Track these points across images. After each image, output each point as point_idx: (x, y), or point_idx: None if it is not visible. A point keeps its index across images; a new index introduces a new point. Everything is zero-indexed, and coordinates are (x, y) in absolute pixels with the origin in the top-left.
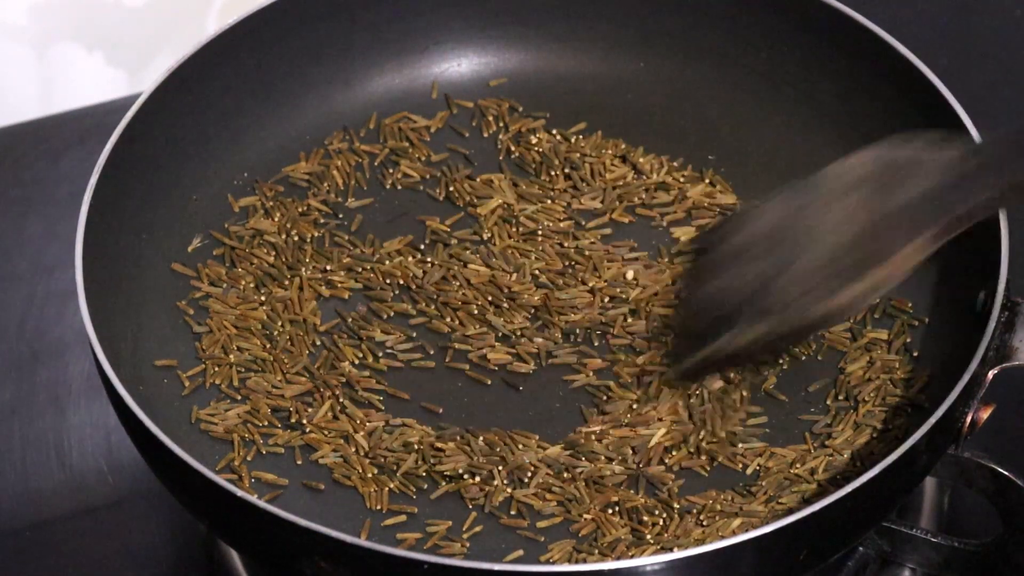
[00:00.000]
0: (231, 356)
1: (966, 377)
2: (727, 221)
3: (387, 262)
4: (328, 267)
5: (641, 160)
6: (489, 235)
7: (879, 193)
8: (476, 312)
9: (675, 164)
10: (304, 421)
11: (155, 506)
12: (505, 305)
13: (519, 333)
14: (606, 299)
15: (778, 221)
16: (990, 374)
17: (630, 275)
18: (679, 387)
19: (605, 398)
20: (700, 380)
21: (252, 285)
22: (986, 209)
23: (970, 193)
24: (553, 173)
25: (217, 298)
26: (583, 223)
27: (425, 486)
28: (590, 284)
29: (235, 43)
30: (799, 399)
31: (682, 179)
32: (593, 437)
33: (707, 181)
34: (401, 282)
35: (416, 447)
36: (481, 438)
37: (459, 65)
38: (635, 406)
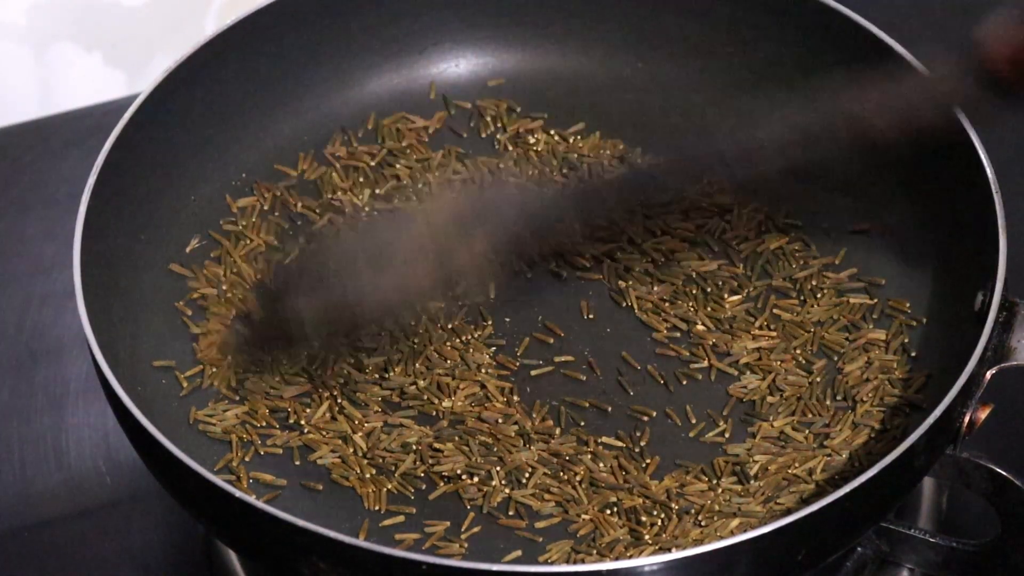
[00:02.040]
0: (229, 357)
1: (964, 377)
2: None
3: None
4: None
5: (639, 161)
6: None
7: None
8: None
9: None
10: (302, 422)
11: (153, 507)
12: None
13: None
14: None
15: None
16: (988, 374)
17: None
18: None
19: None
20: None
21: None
22: None
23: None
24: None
25: (215, 299)
26: None
27: (423, 486)
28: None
29: (233, 44)
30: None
31: None
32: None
33: (705, 181)
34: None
35: (414, 447)
36: (479, 438)
37: (457, 66)
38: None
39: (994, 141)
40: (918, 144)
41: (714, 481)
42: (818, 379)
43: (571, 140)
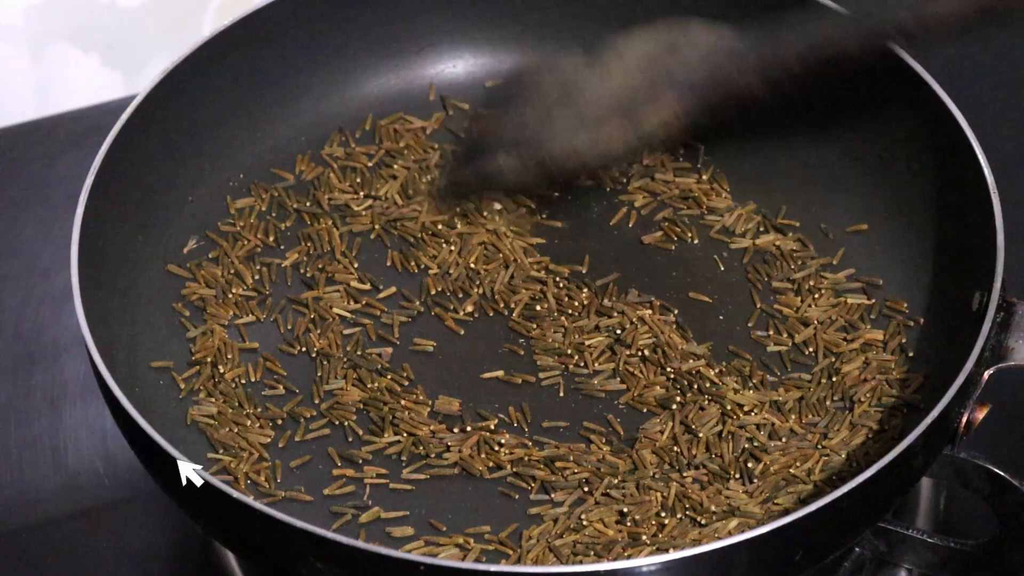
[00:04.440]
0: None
1: (962, 377)
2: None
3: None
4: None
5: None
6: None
7: (648, 62)
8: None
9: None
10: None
11: (151, 508)
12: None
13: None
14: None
15: (555, 77)
16: (986, 374)
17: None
18: (444, 203)
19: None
20: (463, 196)
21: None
22: (724, 86)
23: (720, 69)
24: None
25: (212, 300)
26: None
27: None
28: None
29: (231, 45)
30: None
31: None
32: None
33: (704, 178)
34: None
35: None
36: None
37: (454, 66)
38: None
39: (992, 142)
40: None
41: (716, 482)
42: (822, 380)
43: None
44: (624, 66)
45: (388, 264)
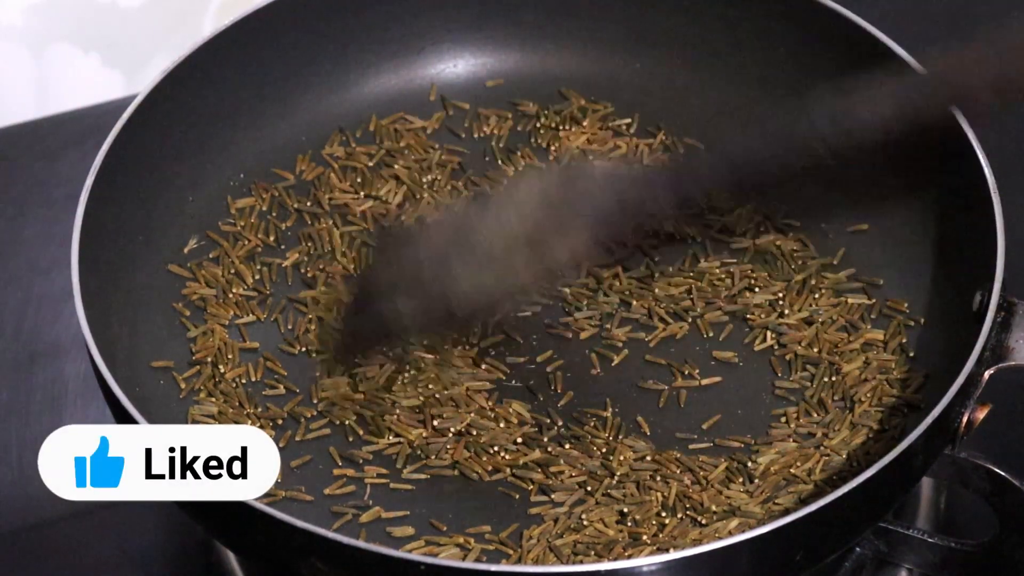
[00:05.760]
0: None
1: (962, 377)
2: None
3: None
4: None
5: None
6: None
7: (545, 196)
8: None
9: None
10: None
11: (152, 508)
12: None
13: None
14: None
15: (447, 219)
16: (986, 374)
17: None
18: (344, 360)
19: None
20: (365, 349)
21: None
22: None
23: (628, 195)
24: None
25: (213, 299)
26: None
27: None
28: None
29: (231, 44)
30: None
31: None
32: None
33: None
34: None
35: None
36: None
37: (455, 66)
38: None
39: (993, 142)
40: (917, 143)
41: (715, 483)
42: (822, 379)
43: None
44: (520, 202)
45: None
